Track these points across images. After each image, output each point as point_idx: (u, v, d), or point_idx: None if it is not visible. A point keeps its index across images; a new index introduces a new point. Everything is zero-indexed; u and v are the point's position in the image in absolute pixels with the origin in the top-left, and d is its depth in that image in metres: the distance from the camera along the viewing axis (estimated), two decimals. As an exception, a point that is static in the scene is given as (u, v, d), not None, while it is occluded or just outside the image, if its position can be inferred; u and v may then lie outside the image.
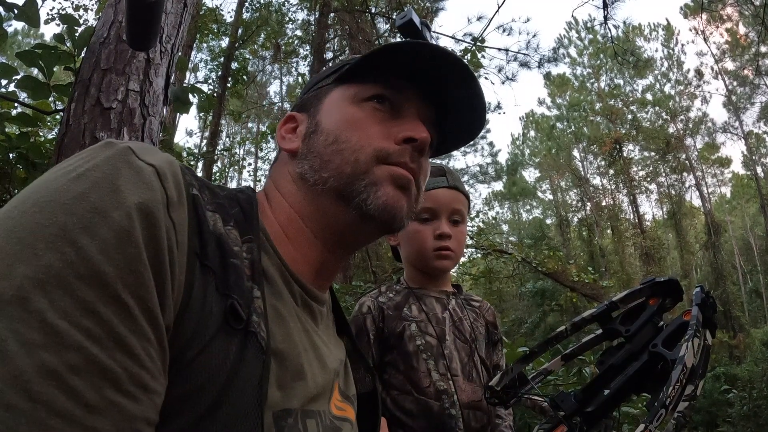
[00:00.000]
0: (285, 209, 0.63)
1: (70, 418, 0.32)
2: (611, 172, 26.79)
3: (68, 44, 1.97)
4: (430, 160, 0.70)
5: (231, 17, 11.65)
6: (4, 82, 2.17)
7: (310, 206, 0.62)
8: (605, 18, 6.75)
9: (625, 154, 25.87)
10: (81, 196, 0.38)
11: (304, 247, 0.62)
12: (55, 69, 1.98)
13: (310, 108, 0.68)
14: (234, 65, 10.89)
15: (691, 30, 27.26)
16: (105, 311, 0.35)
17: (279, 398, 0.49)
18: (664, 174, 27.35)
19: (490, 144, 26.49)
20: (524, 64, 9.85)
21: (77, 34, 1.97)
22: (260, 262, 0.53)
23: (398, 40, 0.66)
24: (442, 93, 0.66)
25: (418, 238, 1.28)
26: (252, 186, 0.73)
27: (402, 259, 1.39)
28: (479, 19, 8.85)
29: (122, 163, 0.41)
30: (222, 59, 11.35)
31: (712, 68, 26.67)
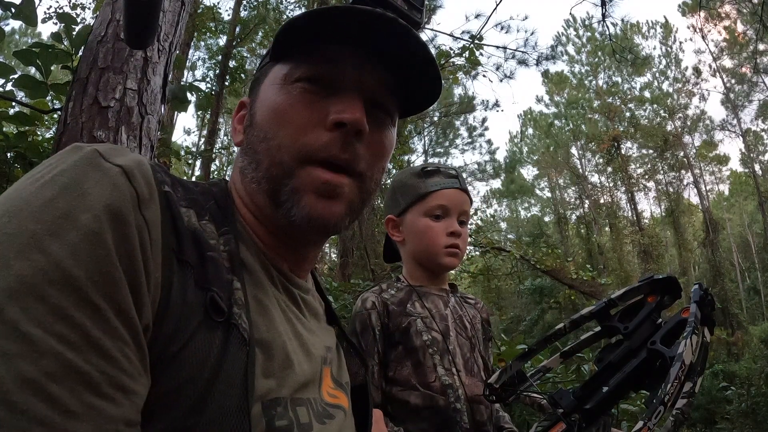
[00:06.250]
0: (239, 202, 0.61)
1: (50, 425, 0.32)
2: (609, 169, 26.80)
3: (66, 43, 1.96)
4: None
5: (229, 15, 11.62)
6: (1, 81, 2.16)
7: (252, 202, 0.60)
8: (603, 16, 6.76)
9: (623, 152, 25.87)
10: (49, 202, 0.38)
11: (265, 238, 0.60)
12: (52, 68, 1.97)
13: (252, 93, 0.64)
14: (232, 63, 10.85)
15: (689, 28, 27.24)
16: (78, 315, 0.35)
17: (267, 388, 0.49)
18: (662, 171, 27.36)
19: (488, 142, 26.53)
20: (522, 62, 9.87)
21: (75, 33, 1.96)
22: (238, 253, 0.52)
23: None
24: (392, 53, 0.58)
25: (431, 234, 1.29)
26: None
27: (405, 255, 1.37)
28: (477, 16, 8.86)
29: (89, 167, 0.41)
30: (220, 57, 11.32)
31: (710, 66, 26.72)
